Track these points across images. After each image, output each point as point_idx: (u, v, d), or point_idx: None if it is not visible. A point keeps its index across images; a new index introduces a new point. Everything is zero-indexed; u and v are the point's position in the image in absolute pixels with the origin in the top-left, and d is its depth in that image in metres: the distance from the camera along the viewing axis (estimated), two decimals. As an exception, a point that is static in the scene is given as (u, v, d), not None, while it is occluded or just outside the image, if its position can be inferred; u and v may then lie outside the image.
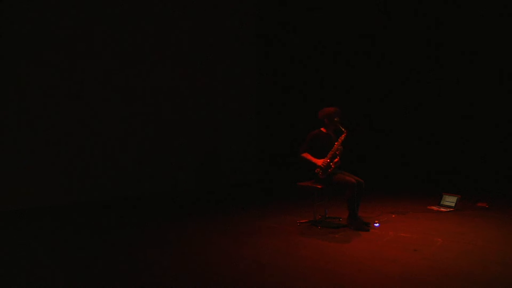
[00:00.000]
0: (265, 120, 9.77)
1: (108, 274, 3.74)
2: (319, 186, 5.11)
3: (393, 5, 8.95)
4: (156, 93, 8.12)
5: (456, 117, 8.45)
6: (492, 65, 8.03)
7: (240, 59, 9.43)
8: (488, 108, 8.13)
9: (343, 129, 5.16)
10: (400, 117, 9.04)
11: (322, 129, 5.38)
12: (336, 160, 5.08)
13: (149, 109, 8.03)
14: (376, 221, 5.29)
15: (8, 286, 3.51)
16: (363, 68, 9.25)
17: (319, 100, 6.87)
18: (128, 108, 7.76)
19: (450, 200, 6.06)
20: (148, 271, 3.78)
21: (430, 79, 8.71)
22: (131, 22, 7.75)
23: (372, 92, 9.24)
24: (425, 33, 8.66)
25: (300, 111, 9.02)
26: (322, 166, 5.04)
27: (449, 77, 8.49)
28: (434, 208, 6.08)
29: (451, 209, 5.93)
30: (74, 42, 7.14)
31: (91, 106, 7.34)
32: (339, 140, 5.13)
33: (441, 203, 6.12)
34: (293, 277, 3.55)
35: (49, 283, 3.55)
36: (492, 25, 7.95)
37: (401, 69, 8.98)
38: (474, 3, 8.10)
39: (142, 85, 7.93)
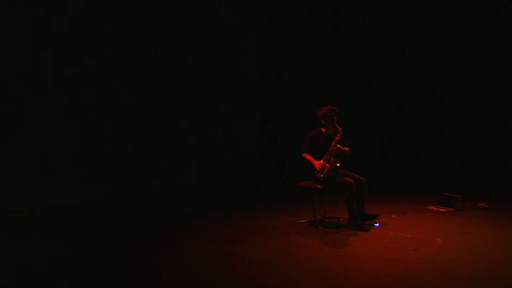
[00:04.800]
0: (265, 119, 9.77)
1: (107, 274, 3.74)
2: (319, 186, 5.11)
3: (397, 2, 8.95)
4: (156, 93, 8.12)
5: (456, 116, 8.45)
6: (493, 64, 8.02)
7: (241, 59, 9.43)
8: (488, 107, 8.13)
9: (339, 128, 5.14)
10: (400, 116, 9.04)
11: (322, 129, 5.38)
12: (332, 161, 5.07)
13: (149, 109, 8.03)
14: (376, 221, 5.29)
15: (8, 286, 3.51)
16: (365, 68, 9.25)
17: (321, 100, 6.86)
18: (128, 108, 7.76)
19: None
20: (147, 271, 3.78)
21: (430, 79, 8.71)
22: (131, 22, 7.75)
23: (372, 92, 9.24)
24: (424, 31, 8.67)
25: (300, 110, 9.03)
26: (317, 168, 5.07)
27: (450, 76, 8.49)
28: (434, 208, 6.08)
29: (451, 209, 5.93)
30: (77, 43, 7.14)
31: (91, 106, 7.34)
32: (335, 140, 5.12)
33: None
34: (293, 277, 3.55)
35: (49, 283, 3.55)
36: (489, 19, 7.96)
37: (400, 69, 8.98)
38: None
39: (142, 85, 7.93)
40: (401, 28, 8.89)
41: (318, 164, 5.10)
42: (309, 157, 5.23)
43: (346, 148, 5.23)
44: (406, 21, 8.83)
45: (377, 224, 5.18)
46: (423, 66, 8.75)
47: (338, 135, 5.12)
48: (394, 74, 9.05)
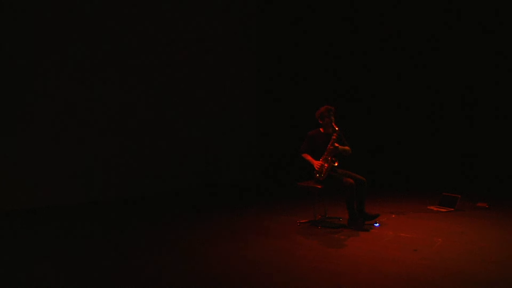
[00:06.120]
0: (265, 119, 9.77)
1: (108, 274, 3.74)
2: (319, 186, 5.11)
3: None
4: (156, 93, 8.12)
5: (456, 116, 8.46)
6: (493, 64, 8.02)
7: (241, 59, 9.43)
8: (488, 107, 8.13)
9: (336, 128, 5.15)
10: (401, 116, 9.04)
11: (320, 129, 5.39)
12: (329, 160, 5.07)
13: (149, 109, 8.03)
14: (376, 221, 5.28)
15: (8, 286, 3.51)
16: (365, 67, 9.25)
17: (321, 100, 6.86)
18: (128, 108, 7.76)
19: None
20: (147, 271, 3.78)
21: (431, 78, 8.71)
22: (130, 23, 7.75)
23: (372, 92, 9.24)
24: (425, 30, 8.67)
25: (300, 110, 9.02)
26: (316, 169, 5.08)
27: (450, 76, 8.49)
28: (434, 208, 6.08)
29: (451, 209, 5.93)
30: (75, 44, 7.14)
31: (92, 107, 7.34)
32: (332, 140, 5.12)
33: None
34: (293, 277, 3.55)
35: (49, 283, 3.54)
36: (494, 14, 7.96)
37: (401, 69, 8.98)
38: None
39: (142, 84, 7.93)
40: (402, 27, 8.90)
41: (316, 164, 5.11)
42: (308, 157, 5.25)
43: (347, 148, 5.23)
44: (406, 20, 8.83)
45: (377, 224, 5.17)
46: (424, 65, 8.75)
47: (335, 134, 5.12)
48: (395, 73, 9.05)
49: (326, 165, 5.08)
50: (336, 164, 5.08)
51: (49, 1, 6.89)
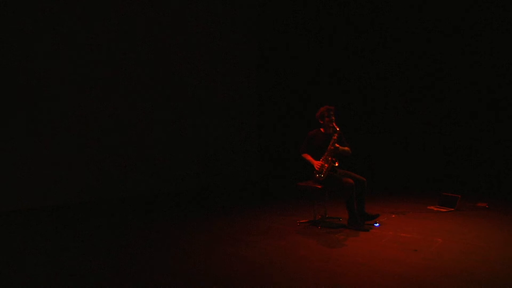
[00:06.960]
0: (265, 120, 9.77)
1: (107, 274, 3.74)
2: (319, 186, 5.11)
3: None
4: (156, 93, 8.12)
5: (457, 117, 8.46)
6: (495, 65, 8.02)
7: (241, 59, 9.44)
8: (488, 107, 8.13)
9: (337, 128, 5.15)
10: (401, 116, 9.04)
11: (321, 129, 5.39)
12: (330, 160, 5.07)
13: (149, 109, 8.03)
14: (376, 221, 5.28)
15: (8, 286, 3.50)
16: (365, 67, 9.25)
17: (321, 100, 6.87)
18: (128, 108, 7.76)
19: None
20: (147, 271, 3.78)
21: (431, 79, 8.71)
22: (132, 23, 7.75)
23: (372, 91, 9.24)
24: (425, 30, 8.67)
25: (300, 110, 9.02)
26: (316, 169, 5.07)
27: (450, 76, 8.49)
28: (434, 208, 6.08)
29: (451, 209, 5.93)
30: (77, 43, 7.14)
31: (92, 106, 7.34)
32: (332, 140, 5.12)
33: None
34: (293, 277, 3.55)
35: (49, 283, 3.54)
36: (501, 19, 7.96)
37: (402, 69, 8.98)
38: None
39: (142, 84, 7.93)
40: (402, 27, 8.90)
41: (316, 164, 5.11)
42: (308, 158, 5.25)
43: (347, 148, 5.22)
44: (406, 20, 8.84)
45: (377, 224, 5.17)
46: (424, 66, 8.75)
47: (336, 134, 5.11)
48: (395, 74, 9.05)
49: (326, 165, 5.08)
50: (336, 164, 5.08)
51: (49, 1, 6.88)
